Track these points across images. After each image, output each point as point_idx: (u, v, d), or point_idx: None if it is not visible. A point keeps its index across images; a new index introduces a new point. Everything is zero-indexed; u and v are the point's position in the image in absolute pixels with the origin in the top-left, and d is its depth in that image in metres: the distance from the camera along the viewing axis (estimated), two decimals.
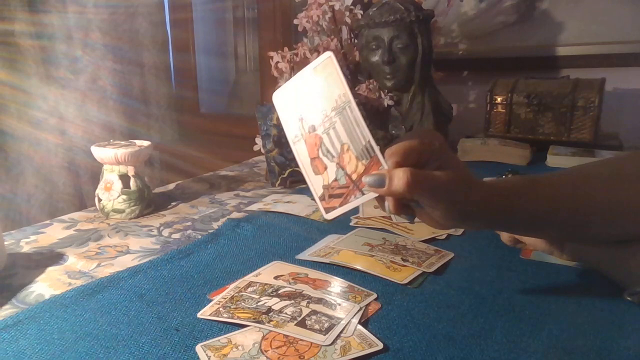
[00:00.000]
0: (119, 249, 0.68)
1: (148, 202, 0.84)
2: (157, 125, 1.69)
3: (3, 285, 0.58)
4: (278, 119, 1.00)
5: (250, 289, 0.52)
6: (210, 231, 0.73)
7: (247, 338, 0.44)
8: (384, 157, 0.41)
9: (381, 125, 1.14)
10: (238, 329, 0.45)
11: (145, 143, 0.86)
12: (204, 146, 1.71)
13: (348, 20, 1.12)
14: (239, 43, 2.06)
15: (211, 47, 2.07)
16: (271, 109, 0.97)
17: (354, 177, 0.43)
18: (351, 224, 0.73)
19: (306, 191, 0.90)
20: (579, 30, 1.27)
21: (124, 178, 0.81)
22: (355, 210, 0.76)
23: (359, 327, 0.45)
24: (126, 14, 1.53)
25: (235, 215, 0.81)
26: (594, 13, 1.25)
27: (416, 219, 0.45)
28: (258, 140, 0.99)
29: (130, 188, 0.81)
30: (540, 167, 1.02)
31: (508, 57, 1.35)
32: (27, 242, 0.71)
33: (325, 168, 0.45)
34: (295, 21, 1.12)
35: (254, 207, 0.84)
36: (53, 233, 0.75)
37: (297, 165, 0.95)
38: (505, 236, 0.55)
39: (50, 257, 0.66)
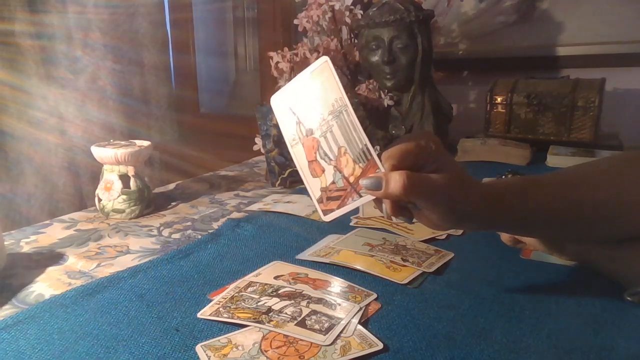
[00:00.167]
0: (119, 249, 0.68)
1: (148, 202, 0.84)
2: (157, 125, 1.69)
3: (3, 285, 0.58)
4: None
5: (250, 289, 0.52)
6: (210, 231, 0.73)
7: (247, 338, 0.44)
8: (380, 160, 0.42)
9: (381, 125, 1.14)
10: (238, 329, 0.45)
11: (145, 143, 0.86)
12: (204, 146, 1.71)
13: (348, 20, 1.12)
14: (239, 43, 2.05)
15: (211, 47, 2.06)
16: (271, 109, 0.96)
17: (352, 179, 0.44)
18: (351, 224, 0.73)
19: (306, 191, 0.89)
20: (579, 30, 1.27)
21: (124, 178, 0.81)
22: (355, 211, 0.76)
23: (359, 327, 0.45)
24: (126, 14, 1.53)
25: (235, 215, 0.81)
26: (594, 13, 1.25)
27: (414, 220, 0.45)
28: (258, 140, 0.99)
29: (130, 188, 0.81)
30: (540, 167, 1.02)
31: (508, 57, 1.35)
32: (27, 242, 0.71)
33: (323, 171, 0.45)
34: (295, 21, 1.12)
35: (254, 207, 0.84)
36: (53, 233, 0.75)
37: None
38: (505, 236, 0.55)
39: (50, 257, 0.66)
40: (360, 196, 0.43)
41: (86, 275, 0.60)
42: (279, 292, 0.51)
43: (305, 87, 0.45)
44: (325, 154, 0.45)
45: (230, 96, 2.10)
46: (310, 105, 0.45)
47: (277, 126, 0.96)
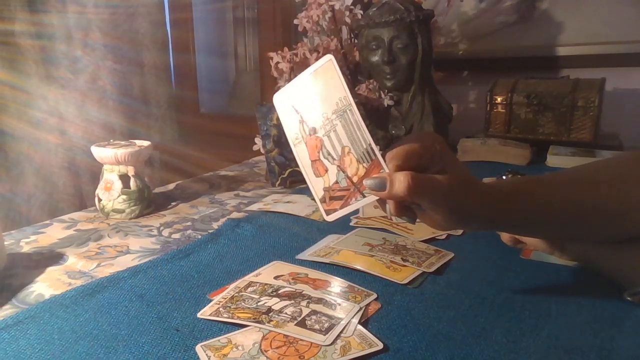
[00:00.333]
0: (119, 249, 0.68)
1: (148, 202, 0.84)
2: (157, 125, 1.68)
3: (3, 285, 0.58)
4: (278, 119, 1.00)
5: (250, 289, 0.52)
6: (210, 231, 0.73)
7: (247, 338, 0.44)
8: (384, 160, 0.42)
9: (381, 125, 1.14)
10: (238, 329, 0.45)
11: (145, 143, 0.86)
12: (204, 146, 1.70)
13: (348, 20, 1.12)
14: (239, 43, 2.05)
15: (211, 47, 2.06)
16: (271, 109, 0.97)
17: (355, 179, 0.43)
18: (351, 224, 0.73)
19: (306, 191, 0.90)
20: (579, 30, 1.27)
21: (124, 178, 0.81)
22: (355, 211, 0.76)
23: (359, 327, 0.45)
24: (126, 14, 1.53)
25: (235, 215, 0.81)
26: (594, 13, 1.25)
27: (417, 220, 0.45)
28: (258, 140, 0.99)
29: (130, 188, 0.81)
30: (540, 167, 1.02)
31: (508, 57, 1.35)
32: (27, 242, 0.71)
33: (326, 170, 0.45)
34: (295, 21, 1.12)
35: (254, 207, 0.84)
36: (53, 233, 0.75)
37: (297, 166, 0.96)
38: (505, 236, 0.55)
39: (50, 257, 0.66)
40: (364, 196, 0.43)
41: (86, 275, 0.60)
42: (279, 292, 0.51)
43: (308, 86, 0.45)
44: (329, 154, 0.45)
45: (230, 96, 2.10)
46: (313, 104, 0.45)
47: (277, 126, 0.96)
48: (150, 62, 1.63)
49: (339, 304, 0.49)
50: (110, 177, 0.81)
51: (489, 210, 0.44)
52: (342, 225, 0.71)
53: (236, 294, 0.51)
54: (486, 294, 0.51)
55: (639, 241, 0.48)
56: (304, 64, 1.06)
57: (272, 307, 0.48)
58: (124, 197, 0.81)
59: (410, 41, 1.07)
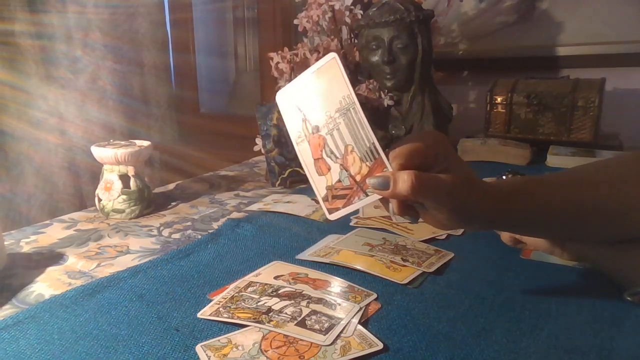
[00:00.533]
0: (119, 249, 0.68)
1: (148, 202, 0.84)
2: (157, 125, 1.68)
3: (3, 285, 0.58)
4: (278, 119, 1.00)
5: (250, 289, 0.52)
6: (210, 231, 0.73)
7: (247, 338, 0.44)
8: (388, 159, 0.41)
9: (381, 125, 1.14)
10: (238, 329, 0.45)
11: (145, 143, 0.86)
12: (204, 146, 1.70)
13: (348, 20, 1.12)
14: (239, 43, 2.05)
15: (211, 47, 2.06)
16: (271, 109, 0.97)
17: (358, 178, 0.43)
18: (351, 224, 0.73)
19: (306, 191, 0.90)
20: (579, 30, 1.27)
21: (124, 178, 0.81)
22: (355, 211, 0.76)
23: (359, 327, 0.45)
24: (126, 14, 1.53)
25: (235, 215, 0.81)
26: (594, 13, 1.25)
27: (420, 220, 0.45)
28: (258, 140, 0.99)
29: (130, 188, 0.81)
30: (540, 167, 1.02)
31: (508, 57, 1.35)
32: (27, 242, 0.71)
33: (329, 169, 0.45)
34: (295, 21, 1.12)
35: (254, 207, 0.84)
36: (53, 233, 0.75)
37: (297, 165, 0.96)
38: (505, 236, 0.55)
39: (50, 257, 0.66)
40: (367, 195, 0.43)
41: (86, 275, 0.60)
42: (279, 292, 0.51)
43: (311, 84, 0.44)
44: (332, 152, 0.44)
45: (230, 96, 2.10)
46: (316, 102, 0.44)
47: (277, 126, 0.96)
48: (150, 62, 1.63)
49: (339, 304, 0.49)
50: (110, 177, 0.81)
51: (493, 209, 0.44)
52: (342, 225, 0.71)
53: (236, 294, 0.51)
54: (486, 294, 0.51)
55: (639, 241, 0.48)
56: (304, 64, 1.06)
57: (272, 307, 0.48)
58: (124, 197, 0.81)
59: (410, 41, 1.07)
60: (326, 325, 0.45)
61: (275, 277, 0.55)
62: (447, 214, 0.42)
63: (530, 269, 0.57)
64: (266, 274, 0.56)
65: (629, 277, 0.49)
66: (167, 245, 0.69)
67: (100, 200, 0.82)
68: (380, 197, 0.42)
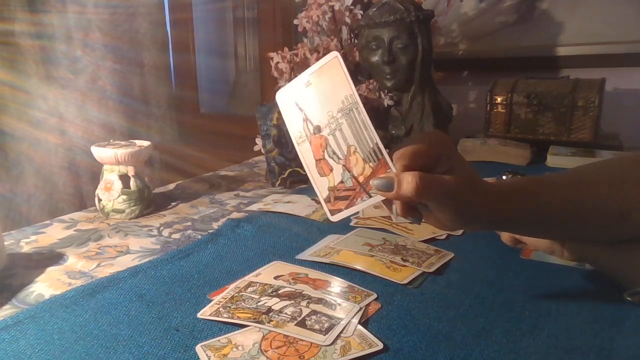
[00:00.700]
0: (119, 249, 0.68)
1: (148, 202, 0.84)
2: (157, 125, 1.68)
3: (3, 285, 0.58)
4: (278, 119, 1.00)
5: (250, 289, 0.52)
6: (210, 231, 0.73)
7: (247, 338, 0.44)
8: (391, 159, 0.41)
9: (381, 125, 1.14)
10: (238, 329, 0.45)
11: (145, 143, 0.86)
12: (204, 146, 1.70)
13: (348, 20, 1.12)
14: (239, 43, 2.05)
15: (211, 47, 2.06)
16: (271, 109, 0.97)
17: (361, 179, 0.43)
18: (351, 224, 0.73)
19: (306, 191, 0.90)
20: (579, 30, 1.27)
21: (124, 178, 0.81)
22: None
23: (359, 327, 0.45)
24: (126, 14, 1.53)
25: (235, 215, 0.81)
26: (594, 13, 1.25)
27: (422, 221, 0.45)
28: (258, 140, 0.99)
29: (130, 188, 0.81)
30: (540, 167, 1.02)
31: (508, 57, 1.35)
32: (27, 242, 0.71)
33: (331, 170, 0.45)
34: (295, 21, 1.12)
35: (254, 207, 0.84)
36: (53, 233, 0.75)
37: (297, 166, 0.96)
38: (505, 236, 0.55)
39: (50, 257, 0.66)
40: (370, 196, 0.43)
41: (86, 275, 0.60)
42: (279, 292, 0.51)
43: (313, 84, 0.44)
44: (334, 153, 0.44)
45: (230, 96, 2.10)
46: (318, 102, 0.44)
47: (277, 126, 0.96)
48: (150, 62, 1.63)
49: (339, 304, 0.49)
50: (110, 177, 0.81)
51: (496, 211, 0.43)
52: (342, 225, 0.71)
53: (236, 294, 0.51)
54: (486, 294, 0.51)
55: (639, 241, 0.48)
56: (304, 64, 1.06)
57: (272, 307, 0.48)
58: (124, 197, 0.81)
59: (410, 41, 1.07)
60: (326, 325, 0.45)
61: (275, 277, 0.55)
62: (450, 215, 0.42)
63: (530, 269, 0.57)
64: (266, 274, 0.56)
65: (629, 277, 0.49)
66: (167, 245, 0.69)
67: (100, 200, 0.82)
68: (384, 198, 0.42)
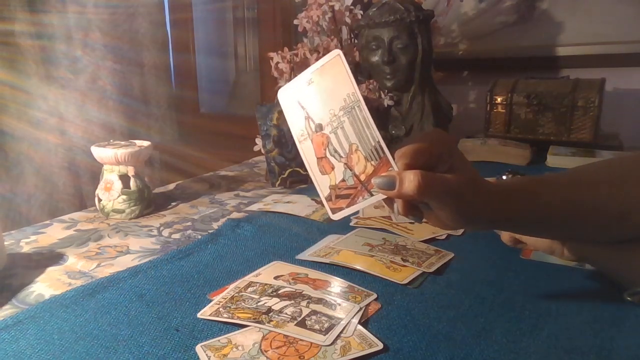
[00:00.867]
0: (119, 249, 0.68)
1: (148, 202, 0.84)
2: (157, 125, 1.68)
3: (3, 285, 0.58)
4: (278, 119, 1.00)
5: (250, 289, 0.52)
6: (210, 231, 0.73)
7: (247, 338, 0.44)
8: (393, 158, 0.41)
9: (381, 125, 1.14)
10: (238, 329, 0.45)
11: (145, 143, 0.86)
12: (204, 146, 1.70)
13: (348, 20, 1.12)
14: (239, 43, 2.05)
15: (211, 47, 2.06)
16: (271, 109, 0.97)
17: (363, 178, 0.43)
18: (351, 224, 0.73)
19: (306, 191, 0.90)
20: (579, 30, 1.27)
21: (124, 178, 0.81)
22: (357, 210, 0.76)
23: (359, 327, 0.45)
24: (126, 14, 1.53)
25: (235, 215, 0.81)
26: (594, 13, 1.25)
27: (424, 220, 0.44)
28: (258, 140, 0.99)
29: (130, 188, 0.81)
30: (540, 167, 1.02)
31: (508, 57, 1.35)
32: (27, 242, 0.71)
33: (333, 168, 0.45)
34: (295, 21, 1.12)
35: (254, 207, 0.84)
36: (53, 233, 0.75)
37: (297, 166, 0.96)
38: (505, 236, 0.55)
39: (50, 257, 0.66)
40: (372, 195, 0.43)
41: (86, 275, 0.60)
42: (279, 292, 0.51)
43: (314, 82, 0.44)
44: (336, 151, 0.44)
45: (230, 96, 2.10)
46: (320, 100, 0.44)
47: (277, 126, 0.96)
48: (150, 62, 1.63)
49: (339, 304, 0.49)
50: (110, 177, 0.81)
51: (497, 210, 0.43)
52: (342, 226, 0.71)
53: (236, 294, 0.51)
54: (486, 294, 0.51)
55: (639, 241, 0.48)
56: (304, 64, 1.06)
57: (272, 307, 0.48)
58: (124, 197, 0.81)
59: (410, 41, 1.07)
60: (326, 325, 0.45)
61: (275, 277, 0.55)
62: (451, 214, 0.42)
63: (530, 269, 0.57)
64: (266, 274, 0.56)
65: (629, 277, 0.49)
66: (167, 246, 0.69)
67: (100, 200, 0.82)
68: (385, 196, 0.42)
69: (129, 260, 0.64)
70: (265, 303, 0.49)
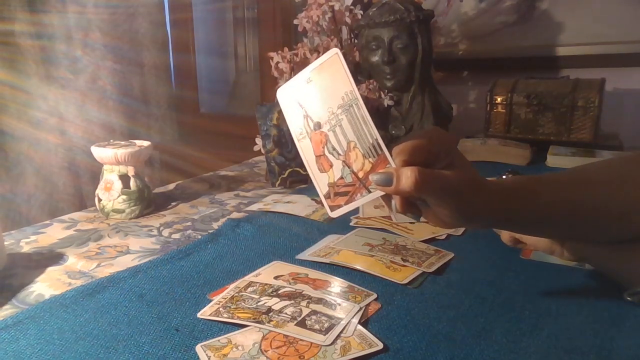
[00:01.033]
0: (119, 249, 0.68)
1: (148, 202, 0.84)
2: (157, 125, 1.68)
3: (3, 285, 0.58)
4: (278, 119, 1.00)
5: (250, 289, 0.52)
6: (210, 231, 0.73)
7: (247, 338, 0.44)
8: (391, 155, 0.41)
9: (381, 125, 1.14)
10: (238, 329, 0.45)
11: (145, 143, 0.86)
12: (204, 146, 1.70)
13: (348, 20, 1.12)
14: (239, 43, 2.05)
15: (211, 47, 2.06)
16: (271, 109, 0.97)
17: (361, 175, 0.43)
18: (351, 224, 0.73)
19: (306, 191, 0.90)
20: (579, 30, 1.27)
21: (124, 178, 0.81)
22: (355, 210, 0.76)
23: (359, 327, 0.45)
24: (126, 14, 1.53)
25: (235, 215, 0.81)
26: (594, 13, 1.25)
27: (422, 218, 0.44)
28: (258, 140, 0.99)
29: (130, 188, 0.81)
30: (540, 167, 1.02)
31: (508, 57, 1.35)
32: (27, 242, 0.71)
33: (331, 166, 0.45)
34: (295, 21, 1.12)
35: (254, 207, 0.84)
36: (53, 233, 0.75)
37: (297, 165, 0.96)
38: (505, 236, 0.55)
39: (50, 257, 0.66)
40: (370, 192, 0.43)
41: (86, 275, 0.60)
42: (279, 292, 0.51)
43: (313, 80, 0.44)
44: (334, 149, 0.44)
45: (230, 96, 2.10)
46: (318, 98, 0.44)
47: (277, 126, 0.96)
48: (150, 62, 1.63)
49: (339, 304, 0.49)
50: (110, 177, 0.81)
51: (496, 208, 0.43)
52: (342, 225, 0.71)
53: (236, 294, 0.51)
54: (486, 294, 0.51)
55: (639, 241, 0.48)
56: (304, 64, 1.06)
57: (272, 307, 0.48)
58: (124, 197, 0.81)
59: (410, 41, 1.07)
60: (326, 325, 0.45)
61: (275, 277, 0.55)
62: (449, 211, 0.42)
63: (530, 269, 0.57)
64: (266, 274, 0.56)
65: (629, 277, 0.49)
66: (167, 245, 0.69)
67: (100, 200, 0.82)
68: (383, 193, 0.42)
69: (129, 260, 0.64)
70: (265, 303, 0.49)
